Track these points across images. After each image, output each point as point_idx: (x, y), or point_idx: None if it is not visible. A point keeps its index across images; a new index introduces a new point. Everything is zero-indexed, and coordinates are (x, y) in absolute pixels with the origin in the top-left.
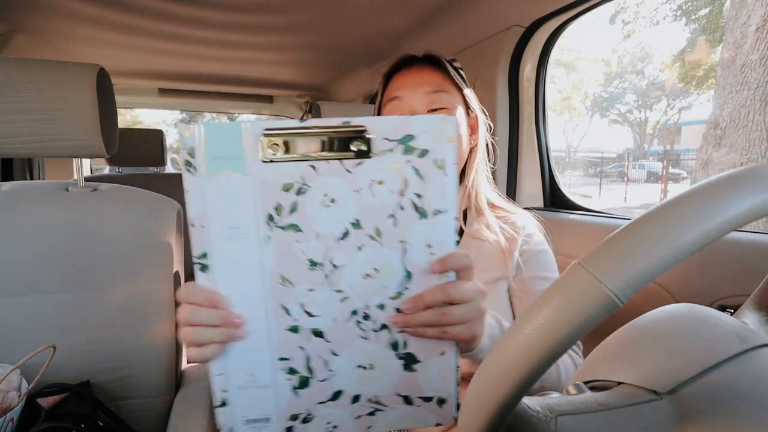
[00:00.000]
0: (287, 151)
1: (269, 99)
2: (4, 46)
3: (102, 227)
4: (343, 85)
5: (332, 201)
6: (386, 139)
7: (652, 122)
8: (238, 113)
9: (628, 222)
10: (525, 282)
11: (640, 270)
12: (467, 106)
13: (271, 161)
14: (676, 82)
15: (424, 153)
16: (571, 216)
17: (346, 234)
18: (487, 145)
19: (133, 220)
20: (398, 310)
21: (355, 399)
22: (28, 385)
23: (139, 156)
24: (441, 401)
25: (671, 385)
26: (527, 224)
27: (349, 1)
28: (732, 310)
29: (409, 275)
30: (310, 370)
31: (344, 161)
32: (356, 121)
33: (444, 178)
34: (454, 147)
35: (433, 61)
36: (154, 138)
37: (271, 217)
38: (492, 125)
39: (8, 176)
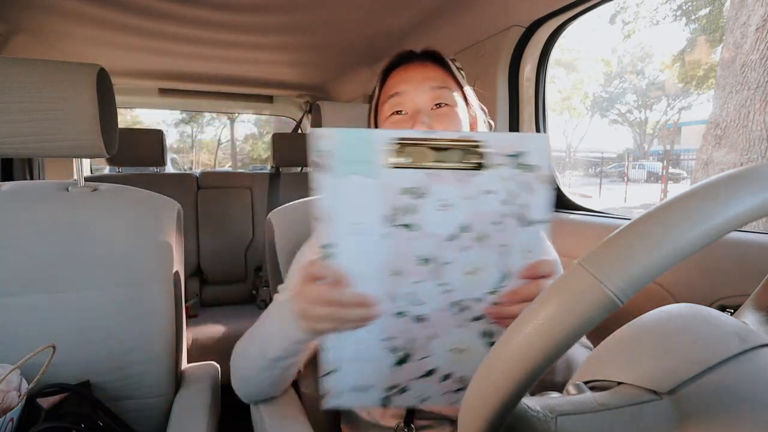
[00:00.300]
0: (410, 158)
1: (269, 99)
2: (4, 46)
3: (102, 227)
4: (343, 85)
5: (445, 206)
6: (500, 154)
7: (652, 122)
8: (238, 113)
9: (628, 222)
10: None
11: (640, 270)
12: (467, 104)
13: (395, 167)
14: (676, 82)
15: (532, 168)
16: (571, 216)
17: (454, 236)
18: None
19: (133, 220)
20: (493, 304)
21: (446, 377)
22: (28, 385)
23: (139, 156)
24: None
25: (671, 385)
26: None
27: (349, 1)
28: (732, 310)
29: (505, 275)
30: (410, 349)
31: (459, 171)
32: (474, 136)
33: (546, 191)
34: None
35: (434, 58)
36: (154, 138)
37: (390, 217)
38: (492, 123)
39: (8, 176)
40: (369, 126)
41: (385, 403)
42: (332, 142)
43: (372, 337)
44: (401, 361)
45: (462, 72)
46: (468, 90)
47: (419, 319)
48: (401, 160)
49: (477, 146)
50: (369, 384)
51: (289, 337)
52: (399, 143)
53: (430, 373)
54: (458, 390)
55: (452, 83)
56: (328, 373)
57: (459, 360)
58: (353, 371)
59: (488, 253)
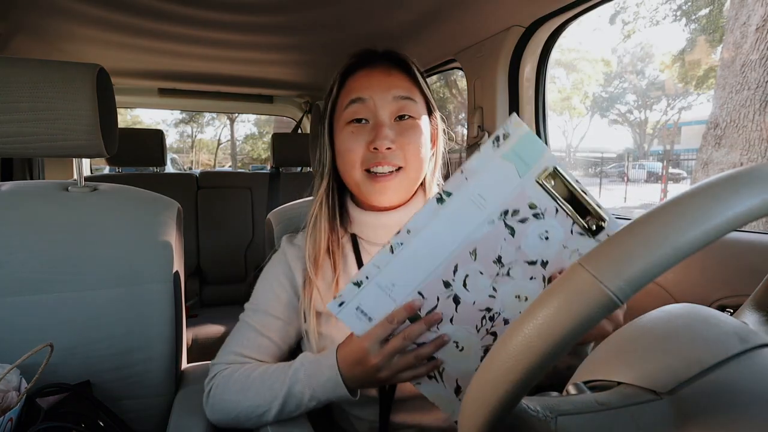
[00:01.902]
0: (554, 188)
1: (269, 99)
2: (4, 46)
3: (102, 227)
4: None
5: (546, 238)
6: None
7: (652, 122)
8: (238, 114)
9: (628, 222)
10: None
11: (639, 270)
12: (429, 112)
13: (540, 185)
14: (676, 82)
15: None
16: None
17: (533, 263)
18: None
19: (133, 220)
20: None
21: (431, 359)
22: (28, 384)
23: (139, 156)
24: None
25: (671, 385)
26: None
27: (349, 1)
28: (732, 310)
29: None
30: (426, 318)
31: (575, 225)
32: (605, 212)
33: None
34: None
35: (400, 63)
36: (154, 138)
37: (506, 212)
38: (452, 134)
39: (8, 176)
40: (321, 126)
41: None
42: (518, 130)
43: (414, 282)
44: (412, 320)
45: (425, 80)
46: (431, 99)
47: (455, 299)
48: (548, 184)
49: (602, 219)
50: (372, 315)
51: (324, 395)
52: (556, 172)
53: (423, 345)
54: (431, 381)
55: (417, 94)
56: (353, 282)
57: (454, 356)
58: (372, 296)
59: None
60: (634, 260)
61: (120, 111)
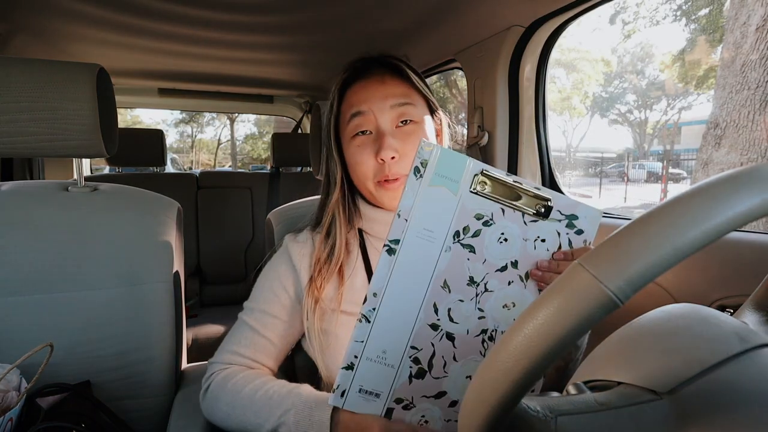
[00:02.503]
0: (491, 191)
1: (269, 99)
2: (4, 46)
3: (102, 227)
4: None
5: (505, 240)
6: (559, 211)
7: (652, 122)
8: (238, 114)
9: (628, 222)
10: None
11: (640, 270)
12: (431, 110)
13: (476, 193)
14: (676, 82)
15: (579, 232)
16: None
17: (504, 268)
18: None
19: (133, 220)
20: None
21: (453, 404)
22: (28, 385)
23: (139, 156)
24: None
25: (671, 385)
26: None
27: (349, 1)
28: (732, 310)
29: None
30: (430, 365)
31: (525, 215)
32: (547, 193)
33: None
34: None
35: (392, 68)
36: (154, 138)
37: (457, 234)
38: (456, 128)
39: (8, 176)
40: (328, 140)
41: (388, 414)
42: (433, 153)
43: (402, 340)
44: (418, 375)
45: (423, 79)
46: (431, 97)
47: (449, 336)
48: (484, 190)
49: (547, 201)
50: (378, 390)
51: None
52: (486, 175)
53: (440, 395)
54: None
55: (415, 96)
56: (344, 367)
57: None
58: (369, 372)
59: (527, 293)
60: (634, 260)
61: (120, 111)
